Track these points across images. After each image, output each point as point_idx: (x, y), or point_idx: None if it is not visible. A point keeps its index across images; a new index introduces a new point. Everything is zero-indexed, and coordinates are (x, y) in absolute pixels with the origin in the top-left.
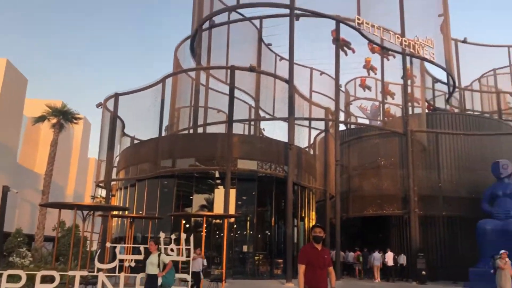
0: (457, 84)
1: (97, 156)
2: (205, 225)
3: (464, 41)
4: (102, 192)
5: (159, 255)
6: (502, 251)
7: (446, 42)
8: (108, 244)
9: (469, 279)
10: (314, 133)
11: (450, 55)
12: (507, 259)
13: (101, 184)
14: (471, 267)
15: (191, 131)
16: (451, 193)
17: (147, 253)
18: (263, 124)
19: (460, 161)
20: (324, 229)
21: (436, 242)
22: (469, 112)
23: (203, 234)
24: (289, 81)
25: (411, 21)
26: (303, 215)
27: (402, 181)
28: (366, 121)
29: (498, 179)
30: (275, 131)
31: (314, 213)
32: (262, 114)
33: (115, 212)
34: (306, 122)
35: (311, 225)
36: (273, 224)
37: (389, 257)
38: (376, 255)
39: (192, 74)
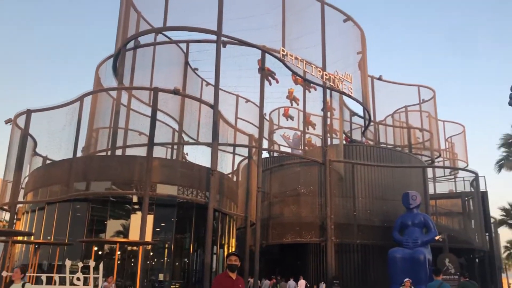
0: (372, 118)
1: (2, 176)
2: (118, 252)
3: (380, 79)
4: (6, 216)
5: (22, 286)
6: (406, 280)
7: (363, 78)
8: (4, 273)
9: None
10: (238, 159)
11: (366, 90)
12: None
13: (5, 207)
14: None
15: (109, 153)
16: (365, 221)
17: (10, 282)
18: (186, 149)
19: (373, 191)
20: (240, 257)
21: (350, 269)
22: (382, 145)
23: (116, 261)
24: (214, 106)
25: (332, 56)
26: (223, 242)
27: (320, 209)
28: (289, 150)
29: (407, 209)
30: (198, 156)
31: (234, 240)
32: (186, 138)
33: (18, 238)
34: (230, 149)
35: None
36: (191, 251)
37: (301, 284)
38: (291, 283)
39: (113, 94)
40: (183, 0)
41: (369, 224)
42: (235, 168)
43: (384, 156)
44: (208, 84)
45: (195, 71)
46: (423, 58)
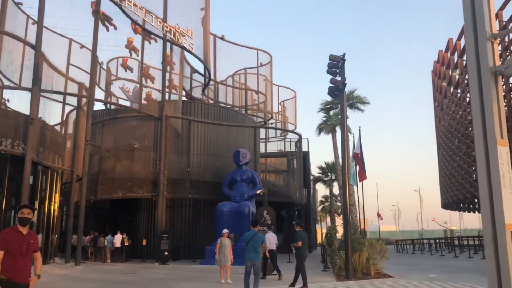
0: (212, 77)
1: None
2: None
3: (222, 38)
4: None
5: None
6: (224, 231)
7: (205, 35)
8: None
9: (205, 257)
10: (68, 110)
11: (208, 48)
12: (228, 238)
13: None
14: (208, 245)
15: None
16: (198, 177)
17: None
18: (8, 95)
19: (208, 148)
20: (33, 210)
21: (181, 223)
22: (222, 104)
23: None
24: (36, 47)
25: (174, 8)
26: (45, 197)
27: (154, 164)
28: (128, 103)
29: (237, 166)
30: (22, 104)
31: (58, 195)
32: (6, 83)
33: None
34: (59, 98)
35: (54, 209)
36: (3, 207)
37: (117, 238)
38: (109, 238)
39: None
40: None
41: (202, 179)
42: (64, 119)
43: (221, 115)
44: (35, 22)
45: (19, 5)
46: (264, 23)
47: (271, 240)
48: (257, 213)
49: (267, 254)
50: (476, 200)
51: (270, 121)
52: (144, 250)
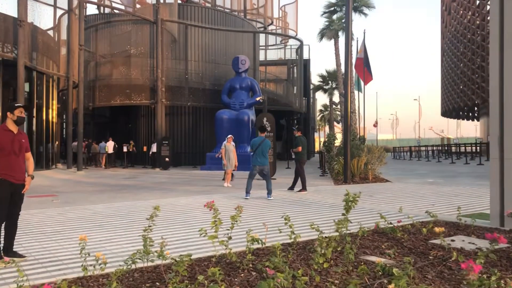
0: None
1: None
2: None
3: None
4: None
5: None
6: (228, 136)
7: None
8: None
9: (206, 163)
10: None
11: None
12: (232, 143)
13: None
14: (208, 152)
15: None
16: (197, 84)
17: None
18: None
19: (206, 54)
20: (24, 109)
21: (181, 130)
22: (219, 8)
23: None
24: None
25: None
26: (41, 104)
27: (151, 71)
28: (121, 7)
29: (236, 73)
30: (11, 8)
31: (55, 102)
32: None
33: None
34: (50, 1)
35: (52, 116)
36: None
37: (110, 145)
38: (102, 144)
39: None
40: None
41: (200, 87)
42: (56, 23)
43: (219, 20)
44: None
45: None
46: None
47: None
48: (257, 120)
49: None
50: (476, 108)
51: (270, 27)
52: (146, 157)
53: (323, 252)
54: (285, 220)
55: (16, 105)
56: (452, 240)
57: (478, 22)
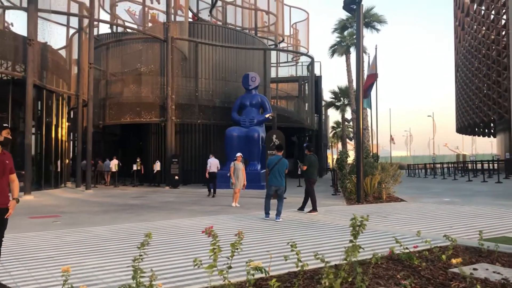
0: None
1: None
2: None
3: None
4: None
5: None
6: (238, 154)
7: None
8: None
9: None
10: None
11: None
12: (241, 160)
13: None
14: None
15: None
16: (207, 102)
17: None
18: (11, 18)
19: (217, 72)
20: (10, 131)
21: (191, 148)
22: (230, 26)
23: None
24: None
25: None
26: (50, 122)
27: (161, 89)
28: (133, 26)
29: (247, 90)
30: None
31: (65, 120)
32: (6, 3)
33: None
34: (62, 20)
35: (62, 134)
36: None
37: (113, 163)
38: (107, 162)
39: None
40: None
41: (211, 104)
42: (68, 42)
43: (229, 37)
44: None
45: None
46: None
47: (213, 164)
48: (266, 137)
49: (207, 175)
50: (492, 124)
51: (281, 45)
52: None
53: (331, 285)
54: (291, 247)
55: (4, 125)
56: (475, 269)
57: (493, 36)
